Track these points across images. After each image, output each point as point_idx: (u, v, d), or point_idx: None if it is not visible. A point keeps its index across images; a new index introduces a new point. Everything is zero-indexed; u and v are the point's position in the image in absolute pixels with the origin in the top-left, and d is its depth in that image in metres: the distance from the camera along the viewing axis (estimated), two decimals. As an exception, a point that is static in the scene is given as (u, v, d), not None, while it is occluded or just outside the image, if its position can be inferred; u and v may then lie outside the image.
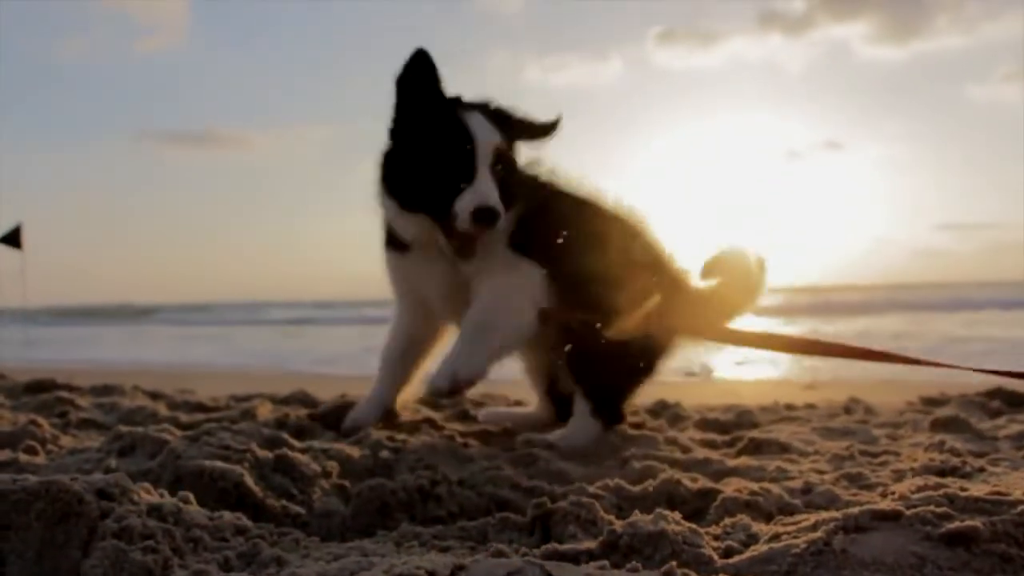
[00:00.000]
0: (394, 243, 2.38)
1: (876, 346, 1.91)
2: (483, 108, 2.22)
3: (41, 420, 2.46)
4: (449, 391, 2.13)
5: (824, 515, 1.35)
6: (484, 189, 2.08)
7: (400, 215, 2.26)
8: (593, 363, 2.33)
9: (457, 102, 2.22)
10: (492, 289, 2.23)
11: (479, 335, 2.19)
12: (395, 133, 2.25)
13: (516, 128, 2.27)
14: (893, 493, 1.54)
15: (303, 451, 2.03)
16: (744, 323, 2.53)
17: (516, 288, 2.24)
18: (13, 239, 12.19)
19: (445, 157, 2.12)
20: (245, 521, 1.51)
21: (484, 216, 2.06)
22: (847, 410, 3.31)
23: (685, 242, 2.62)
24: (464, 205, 2.08)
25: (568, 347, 2.32)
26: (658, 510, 1.37)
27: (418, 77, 2.17)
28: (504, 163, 2.17)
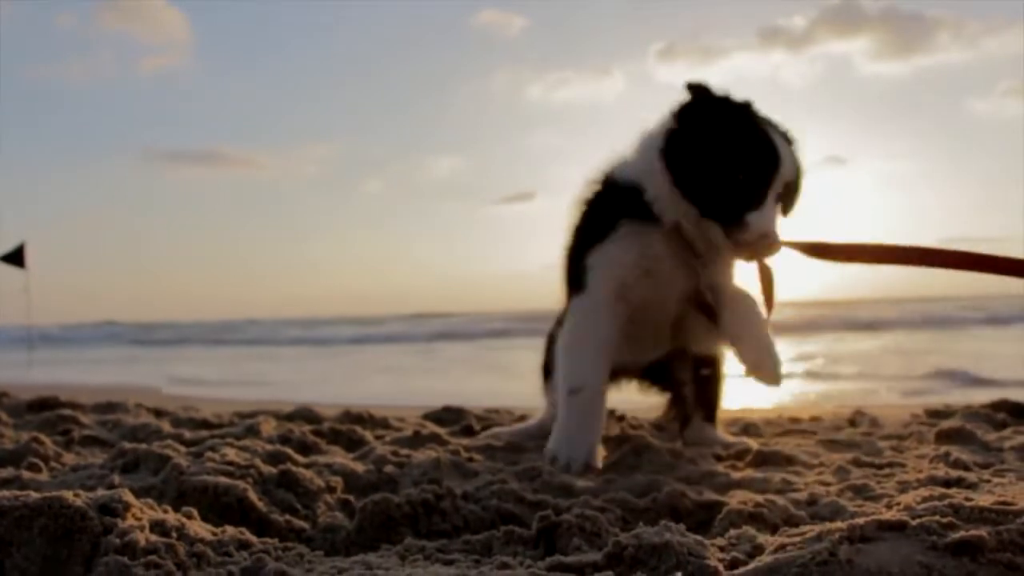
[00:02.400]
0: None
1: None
2: (779, 130, 2.21)
3: (44, 438, 2.46)
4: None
5: (829, 526, 1.35)
6: (767, 216, 2.13)
7: (691, 216, 2.20)
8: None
9: (759, 118, 2.21)
10: (746, 298, 2.29)
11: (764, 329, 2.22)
12: (694, 136, 2.19)
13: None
14: (898, 504, 1.53)
15: (307, 466, 2.03)
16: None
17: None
18: (17, 258, 12.23)
19: (749, 174, 2.12)
20: (249, 536, 1.50)
21: (765, 241, 2.14)
22: (852, 422, 3.30)
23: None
24: (757, 225, 2.11)
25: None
26: (663, 522, 1.36)
27: (709, 96, 2.19)
28: (786, 199, 2.22)
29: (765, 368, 2.12)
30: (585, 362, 2.25)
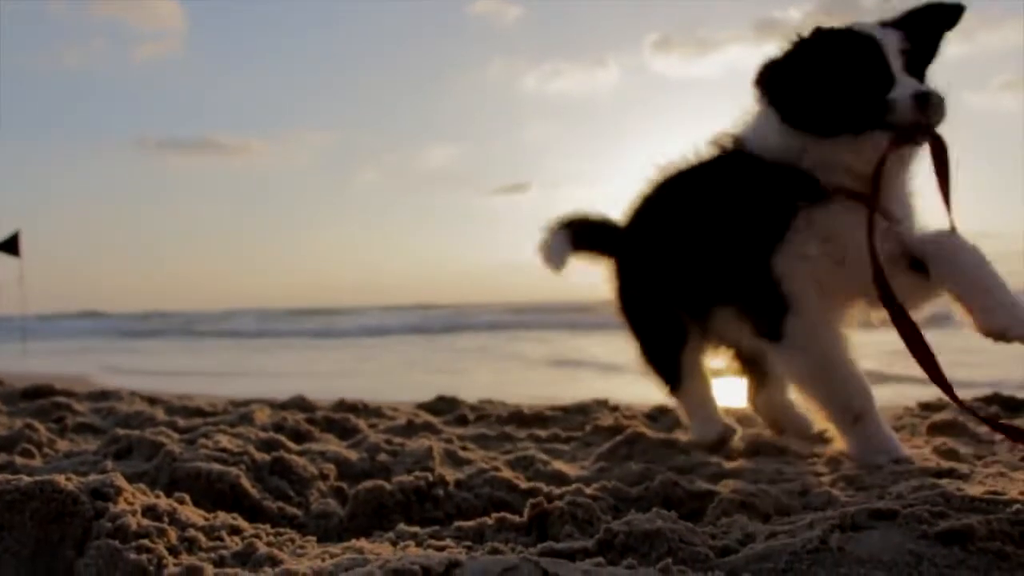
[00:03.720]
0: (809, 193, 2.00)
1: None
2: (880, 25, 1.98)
3: (38, 424, 2.46)
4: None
5: (821, 514, 1.35)
6: (911, 82, 1.88)
7: (818, 147, 1.98)
8: None
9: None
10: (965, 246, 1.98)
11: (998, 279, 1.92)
12: (797, 65, 1.99)
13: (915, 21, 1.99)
14: (890, 493, 1.53)
15: (300, 454, 2.03)
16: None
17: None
18: (11, 246, 12.19)
19: (857, 70, 1.91)
20: (241, 522, 1.50)
21: (926, 99, 1.85)
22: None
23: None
24: (901, 93, 1.86)
25: None
26: (654, 509, 1.36)
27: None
28: (916, 61, 1.95)
29: (1009, 328, 1.85)
30: (853, 384, 2.09)
